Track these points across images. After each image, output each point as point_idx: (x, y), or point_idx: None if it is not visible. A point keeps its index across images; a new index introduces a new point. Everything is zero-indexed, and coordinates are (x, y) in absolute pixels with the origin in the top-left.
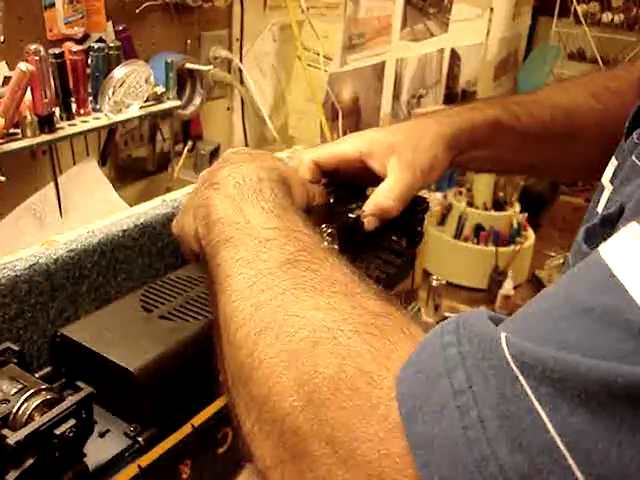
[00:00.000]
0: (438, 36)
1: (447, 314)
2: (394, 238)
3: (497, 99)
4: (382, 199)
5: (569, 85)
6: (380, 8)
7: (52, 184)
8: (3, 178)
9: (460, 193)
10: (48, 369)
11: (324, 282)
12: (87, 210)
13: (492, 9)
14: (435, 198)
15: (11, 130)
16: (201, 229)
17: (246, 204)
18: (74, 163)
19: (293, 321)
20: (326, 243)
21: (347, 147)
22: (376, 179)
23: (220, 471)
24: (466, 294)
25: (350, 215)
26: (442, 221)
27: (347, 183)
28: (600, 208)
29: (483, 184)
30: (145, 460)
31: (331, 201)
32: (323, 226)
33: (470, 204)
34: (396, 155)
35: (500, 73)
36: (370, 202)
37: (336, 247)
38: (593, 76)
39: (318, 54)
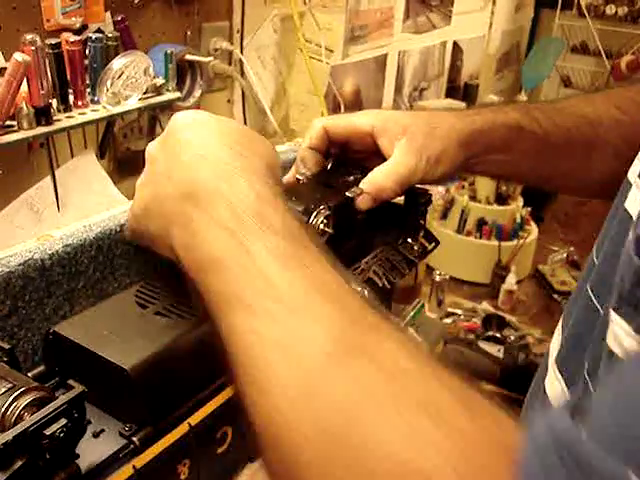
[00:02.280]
0: (440, 28)
1: (450, 310)
2: (409, 241)
3: (519, 103)
4: (381, 178)
5: (594, 96)
6: (382, 0)
7: (49, 177)
8: None
9: (462, 187)
10: (41, 368)
11: (394, 384)
12: (85, 204)
13: (495, 1)
14: (437, 192)
15: (7, 122)
16: (188, 262)
17: (250, 240)
18: (72, 156)
19: (364, 452)
20: (322, 226)
21: (361, 120)
22: (382, 162)
23: (219, 471)
24: (469, 289)
25: (347, 194)
26: (444, 215)
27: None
28: (631, 207)
29: (486, 178)
30: (140, 461)
31: (328, 167)
32: (321, 208)
33: (473, 198)
34: (407, 137)
35: (502, 66)
36: (367, 179)
37: (330, 231)
38: (618, 89)
39: (320, 46)
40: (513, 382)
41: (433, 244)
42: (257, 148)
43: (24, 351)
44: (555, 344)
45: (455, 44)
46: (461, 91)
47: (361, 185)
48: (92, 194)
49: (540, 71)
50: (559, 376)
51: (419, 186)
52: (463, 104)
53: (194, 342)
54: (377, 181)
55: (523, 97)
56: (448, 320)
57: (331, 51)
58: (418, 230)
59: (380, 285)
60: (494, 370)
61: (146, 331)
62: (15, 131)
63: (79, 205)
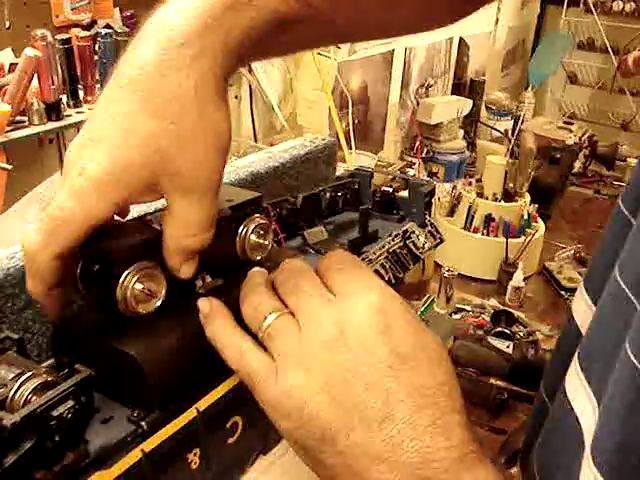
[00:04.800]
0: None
1: (459, 306)
2: (418, 235)
3: None
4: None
5: None
6: None
7: (59, 173)
8: (10, 166)
9: (470, 184)
10: (51, 361)
11: None
12: None
13: None
14: (444, 189)
15: (17, 117)
16: None
17: None
18: None
19: None
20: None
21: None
22: None
23: (230, 462)
24: (476, 285)
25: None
26: (452, 212)
27: None
28: None
29: (493, 174)
30: (148, 445)
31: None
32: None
33: (480, 195)
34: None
35: (509, 62)
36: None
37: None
38: None
39: None
40: (523, 377)
41: (438, 240)
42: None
43: (39, 345)
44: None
45: (461, 40)
46: (467, 87)
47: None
48: None
49: (546, 67)
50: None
51: (422, 177)
52: (469, 100)
53: (201, 328)
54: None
55: (529, 94)
56: (457, 316)
57: (338, 47)
58: (424, 224)
59: (386, 279)
60: (504, 366)
61: (154, 319)
62: (26, 126)
63: None
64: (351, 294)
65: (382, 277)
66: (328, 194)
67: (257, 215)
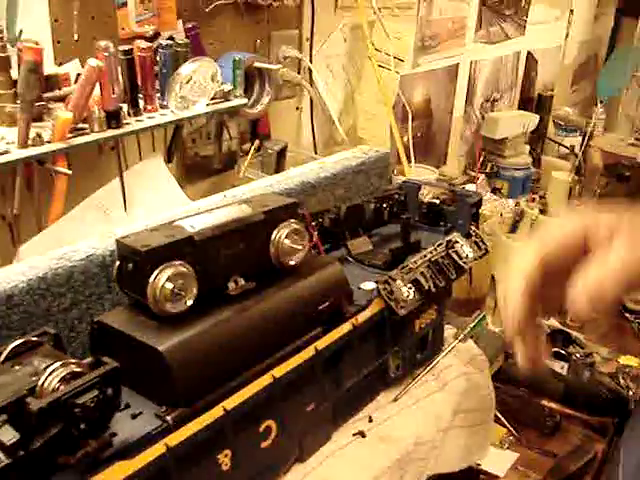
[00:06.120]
0: (514, 38)
1: None
2: (462, 245)
3: None
4: (598, 276)
5: None
6: (454, 9)
7: (117, 179)
8: (69, 171)
9: (533, 200)
10: (93, 359)
11: None
12: (151, 205)
13: (572, 11)
14: (507, 205)
15: (80, 125)
16: None
17: None
18: (140, 159)
19: None
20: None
21: (574, 226)
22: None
23: (264, 467)
24: None
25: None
26: (514, 229)
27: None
28: None
29: (558, 191)
30: (173, 440)
31: None
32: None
33: (543, 212)
34: (628, 230)
35: (579, 77)
36: (582, 281)
37: None
38: None
39: (389, 55)
40: (577, 400)
41: (484, 250)
42: None
43: (83, 343)
44: None
45: (529, 54)
46: (534, 102)
47: (576, 285)
48: (159, 196)
49: (618, 81)
50: None
51: (468, 188)
52: (536, 116)
53: (230, 329)
54: (594, 280)
55: (599, 109)
56: None
57: (401, 60)
58: (469, 235)
59: (425, 287)
60: (558, 387)
61: (186, 318)
62: (87, 133)
63: (146, 206)
64: None
65: (422, 285)
66: (372, 205)
67: (292, 221)
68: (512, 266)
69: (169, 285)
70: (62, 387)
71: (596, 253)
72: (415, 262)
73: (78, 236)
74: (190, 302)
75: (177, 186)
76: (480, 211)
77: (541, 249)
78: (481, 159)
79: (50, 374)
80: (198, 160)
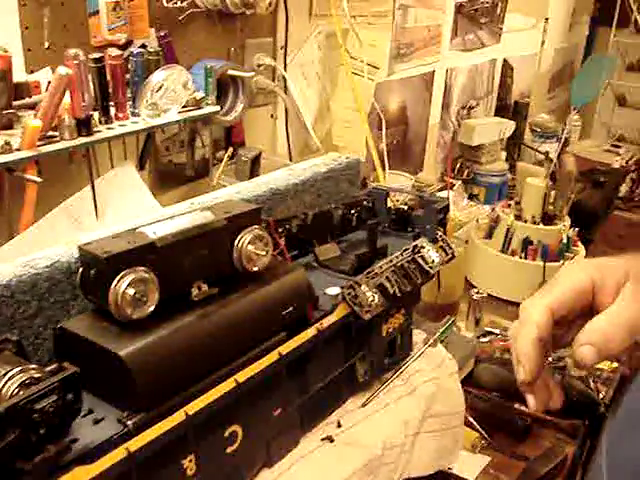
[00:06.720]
0: (490, 46)
1: (488, 329)
2: (428, 250)
3: None
4: (606, 325)
5: None
6: (430, 17)
7: (89, 187)
8: (39, 179)
9: (508, 206)
10: (54, 365)
11: None
12: (123, 213)
13: (547, 19)
14: (482, 211)
15: (49, 133)
16: None
17: None
18: (112, 167)
19: None
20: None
21: (580, 277)
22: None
23: (230, 471)
24: (511, 309)
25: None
26: (490, 234)
27: None
28: None
29: (532, 196)
30: (134, 444)
31: None
32: None
33: (518, 217)
34: (632, 281)
35: (556, 84)
36: (588, 328)
37: None
38: None
39: (364, 63)
40: None
41: (450, 255)
42: None
43: (50, 350)
44: None
45: (505, 62)
46: (511, 109)
47: (580, 335)
48: (131, 204)
49: (589, 89)
50: None
51: (443, 195)
52: (512, 122)
53: (193, 334)
54: (602, 327)
55: (574, 116)
56: (485, 339)
57: (376, 68)
58: (436, 240)
59: (391, 292)
60: None
61: (148, 323)
62: (57, 141)
63: (117, 214)
64: None
65: (387, 290)
66: (340, 212)
67: (255, 227)
68: (524, 314)
69: (130, 291)
70: (21, 392)
71: (602, 304)
72: (381, 267)
73: (49, 244)
74: (152, 308)
75: (149, 194)
76: (456, 217)
77: (551, 300)
78: (458, 165)
79: (9, 379)
80: (172, 168)
